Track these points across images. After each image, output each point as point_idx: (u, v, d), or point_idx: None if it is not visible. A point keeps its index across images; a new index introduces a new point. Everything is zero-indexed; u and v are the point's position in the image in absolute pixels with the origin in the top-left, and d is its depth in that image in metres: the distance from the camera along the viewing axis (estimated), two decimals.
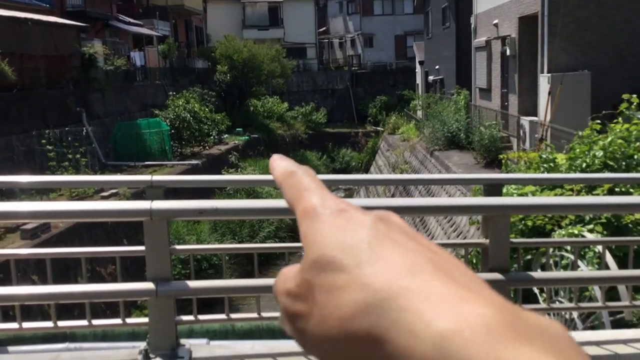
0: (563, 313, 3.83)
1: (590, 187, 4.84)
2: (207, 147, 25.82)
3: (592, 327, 3.71)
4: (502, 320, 0.31)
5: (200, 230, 17.37)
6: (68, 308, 5.24)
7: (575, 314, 3.69)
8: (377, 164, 29.50)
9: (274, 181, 0.44)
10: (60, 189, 14.09)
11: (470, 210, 2.82)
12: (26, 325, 2.62)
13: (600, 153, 4.87)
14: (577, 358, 0.31)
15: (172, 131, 23.27)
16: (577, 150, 5.32)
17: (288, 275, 0.38)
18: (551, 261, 3.58)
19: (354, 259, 0.35)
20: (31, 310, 7.41)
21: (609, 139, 5.03)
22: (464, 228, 10.99)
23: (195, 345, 2.95)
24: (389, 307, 0.32)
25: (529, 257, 4.36)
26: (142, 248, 2.65)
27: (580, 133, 5.66)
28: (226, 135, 28.83)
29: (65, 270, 9.98)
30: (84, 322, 2.68)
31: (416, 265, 0.34)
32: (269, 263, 17.85)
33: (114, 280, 2.78)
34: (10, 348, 3.31)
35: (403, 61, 46.39)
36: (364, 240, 0.36)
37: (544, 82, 14.50)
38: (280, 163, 0.45)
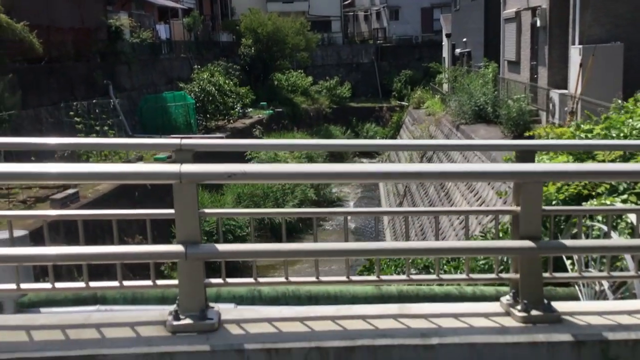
0: (593, 284, 3.77)
1: (625, 159, 4.72)
2: (231, 121, 25.90)
3: (623, 298, 3.65)
4: None
5: (224, 202, 17.51)
6: (99, 274, 5.32)
7: (605, 285, 3.63)
8: (402, 139, 29.30)
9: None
10: (89, 157, 14.28)
11: (502, 176, 2.77)
12: (59, 285, 2.66)
13: (639, 123, 4.74)
14: None
15: (197, 104, 23.35)
16: (614, 117, 5.18)
17: None
18: (582, 232, 3.51)
19: None
20: (62, 276, 7.56)
21: None
22: (490, 202, 10.88)
23: (224, 308, 2.98)
24: None
25: (560, 227, 4.29)
26: (171, 211, 2.67)
27: (620, 102, 5.51)
28: (250, 109, 28.87)
29: (94, 239, 10.15)
30: (115, 283, 2.72)
31: None
32: (292, 237, 17.97)
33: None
34: (43, 309, 3.38)
35: (429, 34, 45.70)
36: None
37: (575, 54, 14.16)
38: None
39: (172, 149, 2.70)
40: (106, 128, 16.80)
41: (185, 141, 2.66)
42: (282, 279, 2.88)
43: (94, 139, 2.97)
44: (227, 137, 22.29)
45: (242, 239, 15.00)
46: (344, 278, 2.94)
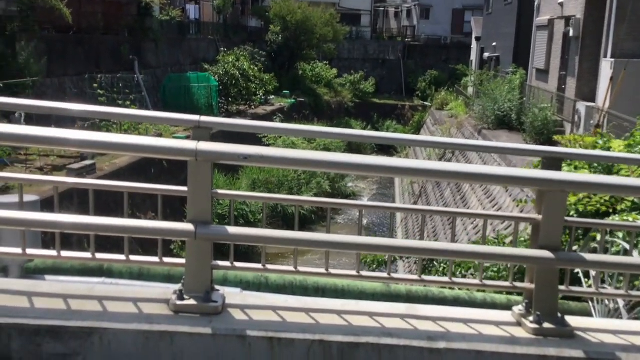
0: (607, 301, 3.67)
1: None
2: (253, 107, 25.88)
3: (638, 319, 3.54)
4: None
5: (238, 187, 17.52)
6: (109, 247, 5.32)
7: (621, 303, 3.53)
8: None
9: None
10: (109, 130, 14.34)
11: (528, 182, 2.68)
12: (65, 254, 2.63)
13: None
14: None
15: (220, 87, 23.34)
16: (638, 134, 5.05)
17: None
18: (602, 247, 3.41)
19: None
20: (72, 246, 7.58)
21: None
22: (507, 209, 10.73)
23: (229, 292, 2.93)
24: None
25: (575, 247, 4.19)
26: (184, 188, 2.61)
27: None
28: (273, 96, 28.83)
29: (106, 212, 10.18)
30: (122, 257, 2.68)
31: None
32: (304, 228, 17.94)
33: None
34: (48, 277, 3.36)
35: (458, 36, 45.24)
36: None
37: (606, 67, 13.90)
38: None
39: (191, 125, 2.65)
40: (128, 103, 16.85)
41: (203, 119, 2.60)
42: (291, 268, 2.82)
43: (116, 108, 2.92)
44: None
45: (254, 225, 15.00)
46: (353, 272, 2.87)
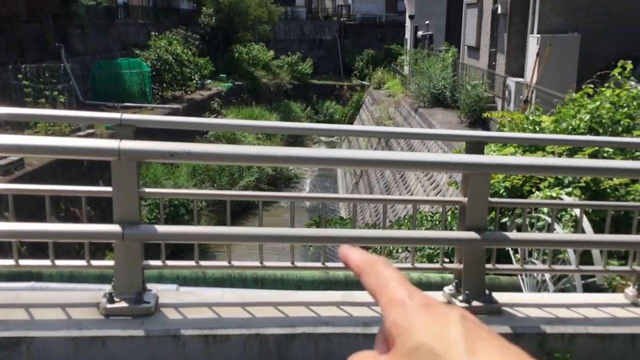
0: (535, 274, 3.83)
1: (572, 152, 4.80)
2: (188, 92, 25.37)
3: (563, 290, 3.72)
4: None
5: (177, 175, 17.22)
6: (39, 248, 5.13)
7: (547, 276, 3.69)
8: (361, 118, 29.34)
9: (351, 268, 0.49)
10: (36, 126, 13.79)
11: (451, 167, 2.75)
12: None
13: (587, 117, 4.80)
14: None
15: (153, 73, 22.76)
16: (564, 110, 5.25)
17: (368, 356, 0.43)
18: (527, 223, 3.55)
19: (453, 353, 0.39)
20: (2, 247, 7.29)
21: (598, 102, 4.95)
22: (444, 187, 11.00)
23: (163, 291, 2.90)
24: None
25: (505, 219, 4.34)
26: (109, 189, 2.55)
27: (573, 95, 5.57)
28: (209, 80, 28.34)
29: (41, 208, 9.83)
30: (47, 262, 2.60)
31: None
32: (247, 212, 17.85)
33: (90, 222, 2.68)
34: None
35: (393, 14, 45.59)
36: (459, 336, 0.40)
37: (532, 43, 14.34)
38: (355, 251, 0.49)
39: (112, 123, 2.58)
40: (56, 93, 16.21)
41: (125, 116, 2.53)
42: (225, 263, 2.81)
43: (37, 110, 2.80)
44: (184, 108, 21.84)
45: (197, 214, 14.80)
46: (288, 264, 2.88)
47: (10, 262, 2.56)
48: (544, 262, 3.44)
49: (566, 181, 4.35)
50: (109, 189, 2.54)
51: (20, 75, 16.22)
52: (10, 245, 2.64)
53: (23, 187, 2.69)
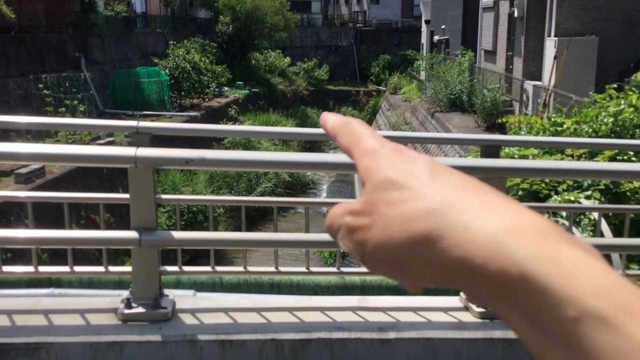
0: None
1: (592, 155, 4.75)
2: (206, 100, 25.58)
3: None
4: (552, 227, 0.36)
5: (195, 182, 17.33)
6: (58, 253, 5.19)
7: None
8: (377, 124, 29.32)
9: (327, 131, 0.50)
10: (57, 135, 13.99)
11: (467, 171, 2.74)
12: (6, 269, 2.57)
13: (609, 119, 4.75)
14: (600, 259, 0.35)
15: (172, 81, 22.98)
16: (584, 112, 5.20)
17: (343, 205, 0.44)
18: None
19: (416, 180, 0.40)
20: (24, 254, 7.40)
21: (622, 106, 4.90)
22: None
23: (180, 296, 2.92)
24: (448, 210, 0.38)
25: None
26: (127, 196, 2.58)
27: (592, 96, 5.52)
28: (226, 88, 28.54)
29: (61, 215, 9.95)
30: (66, 269, 2.63)
31: (474, 186, 0.40)
32: (264, 218, 17.90)
33: (109, 228, 2.72)
34: None
35: (409, 19, 45.58)
36: (424, 168, 0.41)
37: (550, 46, 14.24)
38: (332, 116, 0.51)
39: (129, 131, 2.61)
40: (76, 102, 16.43)
41: (142, 124, 2.57)
42: (241, 268, 2.82)
43: (57, 118, 2.87)
44: (202, 115, 22.03)
45: (215, 220, 14.87)
46: (303, 269, 2.89)
47: (30, 268, 2.60)
48: None
49: (585, 184, 4.31)
50: (126, 195, 2.57)
51: (41, 85, 16.48)
52: (31, 252, 2.67)
53: (43, 195, 2.73)
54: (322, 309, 2.78)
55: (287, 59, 38.18)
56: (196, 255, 9.54)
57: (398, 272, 0.40)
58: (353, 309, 2.80)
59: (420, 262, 0.38)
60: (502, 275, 0.35)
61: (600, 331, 0.32)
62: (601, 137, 4.82)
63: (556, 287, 0.33)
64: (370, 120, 32.14)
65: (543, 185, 4.25)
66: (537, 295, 0.33)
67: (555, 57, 13.47)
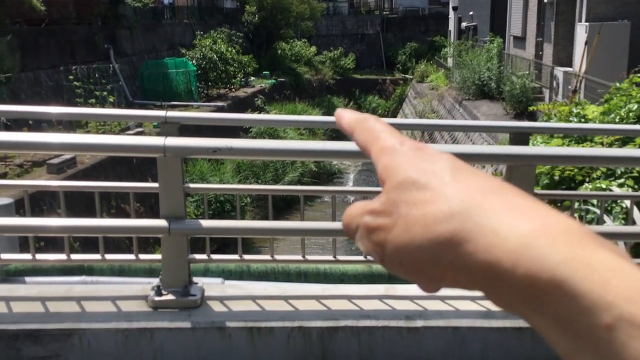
0: None
1: (623, 142, 4.66)
2: (233, 89, 25.68)
3: None
4: (581, 229, 0.35)
5: (223, 172, 17.45)
6: (90, 242, 5.30)
7: None
8: (404, 112, 29.13)
9: (343, 128, 0.49)
10: (87, 125, 14.21)
11: (495, 158, 2.71)
12: (40, 256, 2.63)
13: (635, 106, 4.65)
14: (633, 264, 0.34)
15: (199, 72, 23.12)
16: (613, 102, 5.09)
17: (362, 204, 0.43)
18: (576, 215, 3.47)
19: (438, 180, 0.39)
20: (55, 243, 7.56)
21: None
22: None
23: (209, 284, 2.95)
24: (474, 213, 0.36)
25: None
26: (156, 185, 2.62)
27: (617, 85, 5.40)
28: (253, 78, 28.60)
29: (93, 204, 10.13)
30: (98, 257, 2.68)
31: (497, 186, 0.39)
32: (291, 207, 17.96)
33: (138, 217, 2.76)
34: (28, 279, 3.35)
35: (436, 6, 45.03)
36: (445, 168, 0.40)
37: (581, 32, 13.95)
38: (348, 112, 0.50)
39: (158, 121, 2.64)
40: (105, 93, 16.66)
41: (170, 114, 2.59)
42: (268, 257, 2.84)
43: (87, 109, 2.92)
44: (229, 105, 22.12)
45: (242, 209, 14.98)
46: (330, 257, 2.90)
47: (62, 256, 2.66)
48: None
49: (618, 172, 4.23)
50: (156, 185, 2.60)
51: (71, 77, 16.74)
52: (63, 240, 2.73)
53: (75, 184, 2.78)
54: (349, 297, 2.79)
55: (313, 48, 38.07)
56: (224, 243, 9.64)
57: (418, 275, 0.39)
58: (380, 297, 2.80)
59: (443, 265, 0.37)
60: (532, 280, 0.33)
61: (636, 339, 0.31)
62: (629, 125, 4.71)
63: (590, 292, 0.32)
64: (396, 109, 31.93)
65: (576, 170, 4.18)
66: (569, 302, 0.32)
67: (586, 43, 13.19)
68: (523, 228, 0.35)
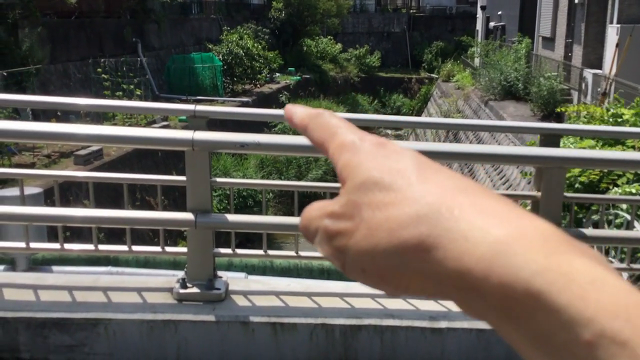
0: None
1: None
2: (258, 85, 25.77)
3: None
4: (559, 234, 0.33)
5: (246, 167, 17.53)
6: (115, 234, 5.37)
7: (625, 275, 3.53)
8: (429, 112, 28.95)
9: (296, 125, 0.45)
10: (114, 118, 14.38)
11: (525, 160, 2.68)
12: (68, 246, 2.66)
13: None
14: (615, 273, 0.31)
15: (225, 67, 23.24)
16: None
17: (320, 205, 0.40)
18: (604, 220, 3.41)
19: (403, 180, 0.36)
20: (82, 233, 7.67)
21: None
22: (514, 181, 10.70)
23: (233, 278, 2.96)
24: (442, 217, 0.34)
25: (580, 215, 4.18)
26: (183, 178, 2.63)
27: None
28: (278, 74, 28.67)
29: (118, 197, 10.26)
30: (124, 248, 2.71)
31: (467, 186, 0.36)
32: None
33: (163, 210, 2.78)
34: (55, 268, 3.41)
35: (464, 5, 44.65)
36: (411, 166, 0.37)
37: (612, 33, 13.70)
38: (299, 107, 0.46)
39: (187, 115, 2.65)
40: (132, 86, 16.84)
41: (199, 108, 2.61)
42: (292, 253, 2.84)
43: (115, 101, 2.96)
44: (254, 101, 22.22)
45: (265, 205, 15.02)
46: None
47: (90, 247, 2.69)
48: (621, 260, 3.30)
49: None
50: (183, 178, 2.62)
51: (99, 69, 16.94)
52: (90, 231, 2.76)
53: (104, 175, 2.81)
54: (373, 296, 2.78)
55: (339, 46, 38.01)
56: (246, 239, 9.68)
57: (383, 283, 0.36)
58: (404, 297, 2.79)
59: (409, 273, 0.35)
60: (506, 291, 0.31)
61: (619, 357, 0.28)
62: None
63: (568, 306, 0.29)
64: (421, 108, 31.75)
65: (602, 175, 4.11)
66: (546, 316, 0.30)
67: (617, 45, 12.96)
68: (496, 234, 0.32)
